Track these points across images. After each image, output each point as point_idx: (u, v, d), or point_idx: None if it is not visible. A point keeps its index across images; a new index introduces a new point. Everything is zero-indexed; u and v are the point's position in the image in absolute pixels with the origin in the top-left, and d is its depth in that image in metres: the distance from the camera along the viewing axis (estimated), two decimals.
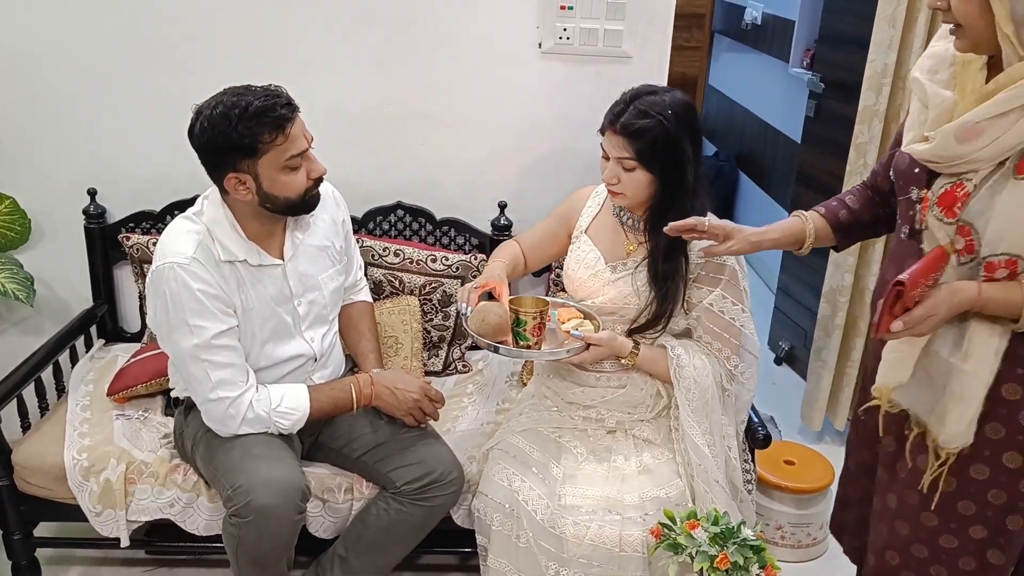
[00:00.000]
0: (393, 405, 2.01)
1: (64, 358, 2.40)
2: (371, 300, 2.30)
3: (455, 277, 2.49)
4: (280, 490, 1.81)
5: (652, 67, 2.45)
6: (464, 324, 1.95)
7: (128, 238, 2.43)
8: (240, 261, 1.88)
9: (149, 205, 2.50)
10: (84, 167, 2.49)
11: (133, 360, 2.33)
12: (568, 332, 1.95)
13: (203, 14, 2.37)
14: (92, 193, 2.48)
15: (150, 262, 2.39)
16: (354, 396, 1.98)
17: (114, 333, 2.62)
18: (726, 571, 1.56)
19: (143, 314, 2.54)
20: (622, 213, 2.04)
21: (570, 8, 2.36)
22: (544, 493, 1.90)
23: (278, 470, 1.85)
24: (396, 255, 2.47)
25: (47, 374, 2.30)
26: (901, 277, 1.38)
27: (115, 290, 2.59)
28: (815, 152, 3.39)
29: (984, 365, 1.44)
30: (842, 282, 2.88)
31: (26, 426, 2.20)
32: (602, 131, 1.94)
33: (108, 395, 2.26)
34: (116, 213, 2.51)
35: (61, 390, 2.36)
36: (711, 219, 1.79)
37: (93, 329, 2.58)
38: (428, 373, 2.50)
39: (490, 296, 2.00)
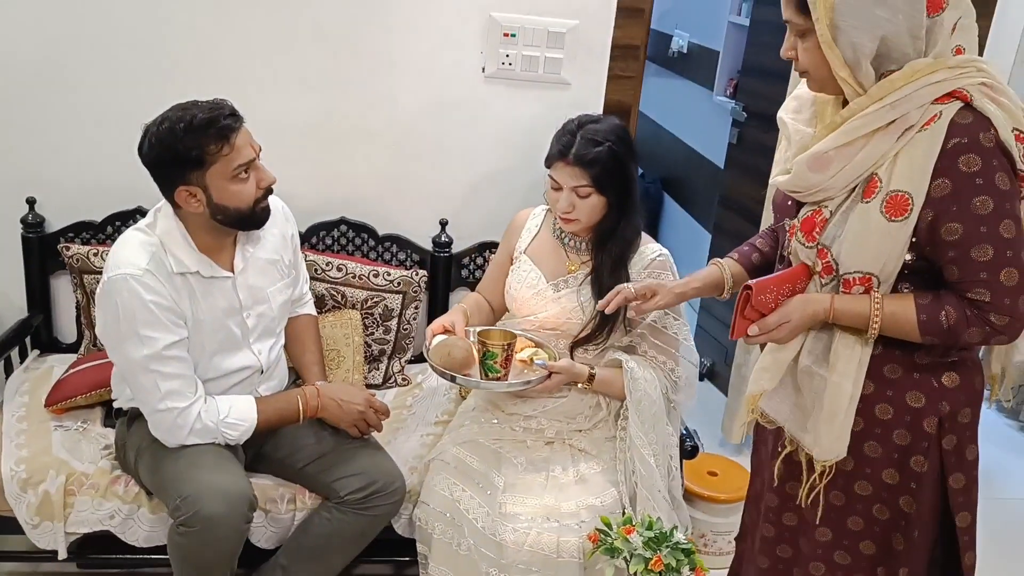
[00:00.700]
0: (339, 416, 2.06)
1: None
2: (315, 314, 2.34)
3: (396, 292, 2.55)
4: (227, 499, 1.84)
5: (590, 94, 2.56)
6: (428, 360, 2.04)
7: (68, 248, 2.42)
8: (192, 273, 1.91)
9: (89, 215, 2.49)
10: (23, 175, 2.46)
11: (72, 371, 2.31)
12: (528, 361, 2.05)
13: (152, 26, 2.37)
14: (31, 202, 2.45)
15: (90, 272, 2.40)
16: (300, 408, 2.02)
17: (49, 343, 2.58)
18: (660, 573, 1.66)
19: (79, 324, 2.52)
20: (563, 235, 2.15)
21: (513, 35, 2.46)
22: (484, 502, 1.97)
23: (225, 480, 1.87)
24: (339, 270, 2.52)
25: None
26: (750, 282, 1.53)
27: (51, 300, 2.57)
28: (737, 177, 3.56)
29: (848, 376, 1.54)
30: None
31: None
32: (548, 163, 2.05)
33: (46, 406, 2.24)
34: (55, 223, 2.49)
35: None
36: (634, 284, 1.91)
37: (27, 339, 2.54)
38: (369, 386, 2.54)
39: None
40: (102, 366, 2.25)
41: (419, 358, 2.71)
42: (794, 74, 2.79)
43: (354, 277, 2.52)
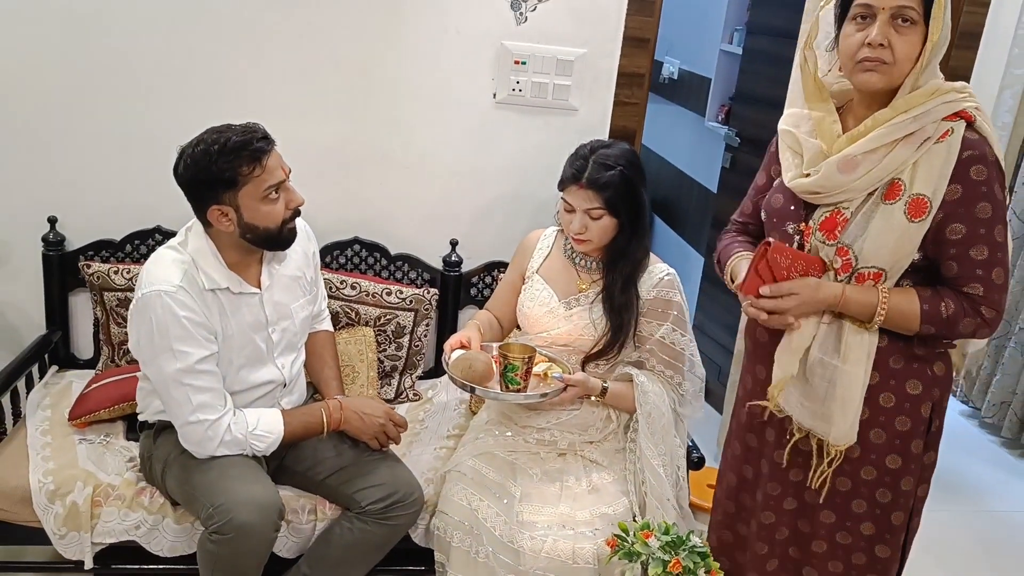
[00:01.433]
0: (360, 429, 2.13)
1: (20, 384, 2.41)
2: (332, 330, 2.41)
3: (408, 310, 2.62)
4: (259, 508, 1.90)
5: (596, 120, 2.65)
6: (448, 372, 2.11)
7: (89, 266, 2.47)
8: (222, 289, 1.98)
9: (109, 234, 2.54)
10: (45, 195, 2.51)
11: (94, 386, 2.36)
12: (543, 375, 2.13)
13: (175, 51, 2.44)
14: (52, 221, 2.51)
15: (110, 290, 2.46)
16: (324, 420, 2.09)
17: (67, 359, 2.63)
18: (678, 575, 1.74)
19: (97, 341, 2.58)
20: (574, 255, 2.24)
21: (523, 63, 2.56)
22: (502, 510, 2.04)
23: (256, 489, 1.93)
24: (353, 288, 2.59)
25: (5, 399, 2.30)
26: (770, 239, 1.67)
27: (69, 317, 2.62)
28: (731, 199, 3.66)
29: (860, 364, 1.70)
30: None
31: None
32: (562, 186, 2.14)
33: (70, 420, 2.29)
34: (75, 241, 2.54)
35: (17, 415, 2.37)
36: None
37: (45, 356, 2.59)
38: None
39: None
40: (123, 381, 2.31)
41: (429, 374, 2.79)
42: (787, 100, 2.91)
43: (368, 295, 2.59)
